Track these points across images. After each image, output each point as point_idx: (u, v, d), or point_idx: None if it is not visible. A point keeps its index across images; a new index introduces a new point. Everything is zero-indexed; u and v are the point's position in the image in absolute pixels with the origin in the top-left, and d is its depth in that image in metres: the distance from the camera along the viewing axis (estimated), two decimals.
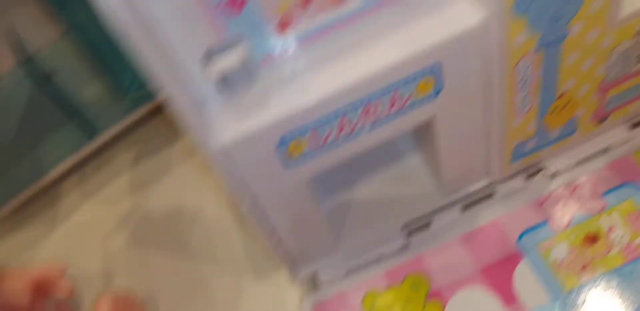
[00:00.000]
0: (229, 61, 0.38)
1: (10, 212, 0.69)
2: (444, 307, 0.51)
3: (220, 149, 0.39)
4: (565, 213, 0.53)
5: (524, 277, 0.51)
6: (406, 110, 0.44)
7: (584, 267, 0.50)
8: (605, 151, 0.56)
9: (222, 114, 0.40)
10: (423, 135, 0.53)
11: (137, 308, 0.54)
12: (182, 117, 0.37)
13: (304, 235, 0.51)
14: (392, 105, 0.43)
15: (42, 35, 0.61)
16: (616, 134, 0.56)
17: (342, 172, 0.56)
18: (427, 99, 0.44)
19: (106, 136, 0.66)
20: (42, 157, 0.64)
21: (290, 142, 0.42)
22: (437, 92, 0.44)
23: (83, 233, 0.66)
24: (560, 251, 0.52)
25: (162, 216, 0.65)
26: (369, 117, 0.43)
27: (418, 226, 0.55)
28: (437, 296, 0.52)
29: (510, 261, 0.52)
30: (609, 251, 0.51)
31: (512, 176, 0.56)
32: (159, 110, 0.68)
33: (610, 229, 0.52)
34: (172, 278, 0.60)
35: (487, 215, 0.55)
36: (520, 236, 0.53)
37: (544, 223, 0.53)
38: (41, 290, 0.52)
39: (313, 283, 0.55)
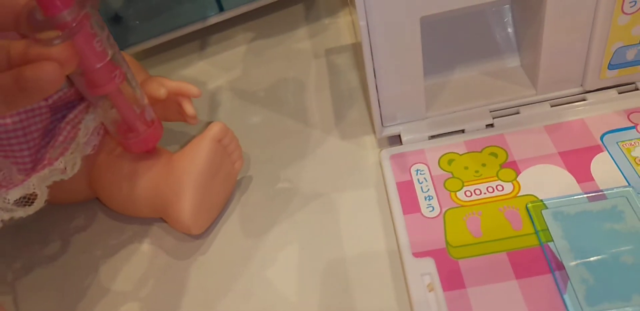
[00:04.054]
0: None
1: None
2: (518, 174, 0.52)
3: None
4: None
5: (602, 164, 0.52)
6: None
7: None
8: None
9: None
10: (527, 32, 0.57)
11: (238, 144, 0.58)
12: None
13: (399, 91, 0.55)
14: None
15: None
16: None
17: (442, 56, 0.60)
18: None
19: (232, 14, 0.74)
20: (175, 16, 0.72)
21: None
22: None
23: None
24: None
25: (266, 81, 0.71)
26: None
27: (507, 113, 0.58)
28: (512, 166, 0.53)
29: (590, 150, 0.53)
30: None
31: (604, 89, 0.58)
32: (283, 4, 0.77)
33: None
34: (262, 126, 0.66)
35: (575, 114, 0.57)
36: (604, 134, 0.55)
37: (631, 128, 0.55)
38: (172, 99, 0.57)
39: (395, 141, 0.58)
